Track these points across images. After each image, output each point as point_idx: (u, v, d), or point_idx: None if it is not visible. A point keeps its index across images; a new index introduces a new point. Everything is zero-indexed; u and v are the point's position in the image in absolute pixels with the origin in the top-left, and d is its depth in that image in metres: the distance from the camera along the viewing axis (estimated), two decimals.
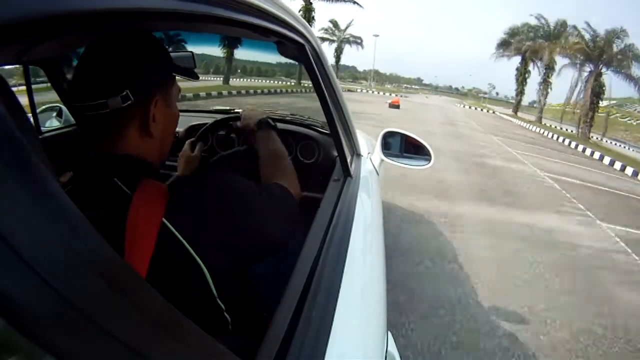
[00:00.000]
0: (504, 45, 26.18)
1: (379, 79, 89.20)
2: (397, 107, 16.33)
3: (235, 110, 1.54)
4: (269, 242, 0.54)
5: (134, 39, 0.51)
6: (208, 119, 1.32)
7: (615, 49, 17.03)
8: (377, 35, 44.92)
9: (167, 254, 0.43)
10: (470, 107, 31.83)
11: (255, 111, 0.94)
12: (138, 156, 0.50)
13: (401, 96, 31.31)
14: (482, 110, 30.49)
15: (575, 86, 18.53)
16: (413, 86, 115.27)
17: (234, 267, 0.51)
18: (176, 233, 0.43)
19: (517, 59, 25.95)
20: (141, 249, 0.41)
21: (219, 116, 1.27)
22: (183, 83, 0.63)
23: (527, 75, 25.62)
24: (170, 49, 0.97)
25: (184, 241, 0.44)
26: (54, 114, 1.56)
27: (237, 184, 0.53)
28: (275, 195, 0.58)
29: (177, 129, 1.35)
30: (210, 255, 0.45)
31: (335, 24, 35.51)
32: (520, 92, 26.82)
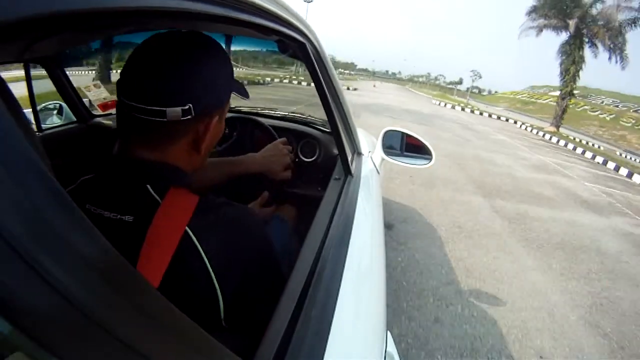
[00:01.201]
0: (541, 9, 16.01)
1: None
2: None
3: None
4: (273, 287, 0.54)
5: (209, 47, 0.47)
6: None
7: None
8: (310, 1, 32.68)
9: (185, 264, 0.41)
10: (463, 109, 20.55)
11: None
12: (176, 165, 0.47)
13: (349, 89, 20.03)
14: (478, 114, 19.39)
15: None
16: (349, 72, 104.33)
17: (243, 295, 0.49)
18: (199, 246, 0.42)
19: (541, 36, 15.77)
20: (159, 255, 0.40)
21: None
22: None
23: (581, 63, 15.26)
24: None
25: (204, 256, 0.42)
26: (55, 111, 1.56)
27: (261, 230, 0.53)
28: (279, 269, 0.57)
29: None
30: (226, 279, 0.44)
31: None
32: (569, 92, 15.52)
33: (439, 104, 23.61)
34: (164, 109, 0.42)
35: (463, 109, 20.78)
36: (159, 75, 0.43)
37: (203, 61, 0.45)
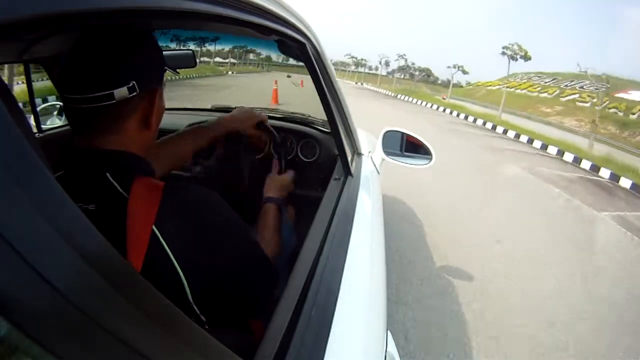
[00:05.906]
0: None
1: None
2: None
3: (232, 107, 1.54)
4: (234, 272, 0.53)
5: (138, 33, 0.51)
6: (206, 118, 1.31)
7: None
8: None
9: (152, 258, 0.42)
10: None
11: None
12: (133, 152, 0.49)
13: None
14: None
15: None
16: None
17: (211, 283, 0.49)
18: (160, 238, 0.43)
19: None
20: (137, 251, 0.41)
21: (217, 114, 1.27)
22: None
23: None
24: (172, 47, 0.97)
25: (166, 247, 0.43)
26: (55, 112, 1.56)
27: (227, 210, 0.53)
28: (253, 248, 0.58)
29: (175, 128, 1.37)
30: (189, 262, 0.45)
31: None
32: None
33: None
34: (112, 91, 0.45)
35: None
36: (100, 63, 0.46)
37: (136, 44, 0.50)
